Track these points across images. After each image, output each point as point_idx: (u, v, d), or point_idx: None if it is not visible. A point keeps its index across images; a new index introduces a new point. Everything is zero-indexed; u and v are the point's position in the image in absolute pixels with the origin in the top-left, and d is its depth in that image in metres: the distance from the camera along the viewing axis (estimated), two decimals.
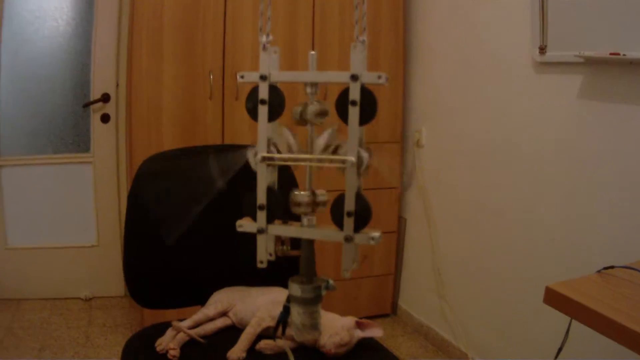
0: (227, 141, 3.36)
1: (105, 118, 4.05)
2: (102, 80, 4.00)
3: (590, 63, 2.49)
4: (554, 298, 1.54)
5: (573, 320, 1.51)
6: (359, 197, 0.95)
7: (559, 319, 1.60)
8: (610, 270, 1.70)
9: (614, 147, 2.42)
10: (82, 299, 4.20)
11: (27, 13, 3.82)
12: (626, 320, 1.32)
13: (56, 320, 3.82)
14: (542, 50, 2.71)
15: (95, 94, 4.00)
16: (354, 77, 0.93)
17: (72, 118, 4.04)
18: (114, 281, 4.27)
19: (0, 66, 3.83)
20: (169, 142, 3.26)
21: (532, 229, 2.88)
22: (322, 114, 1.01)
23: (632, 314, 1.35)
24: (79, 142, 4.08)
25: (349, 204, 0.95)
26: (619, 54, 2.25)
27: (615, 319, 1.34)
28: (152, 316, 3.01)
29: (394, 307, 4.15)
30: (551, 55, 2.68)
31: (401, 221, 4.02)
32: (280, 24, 3.41)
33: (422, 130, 3.74)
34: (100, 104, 4.02)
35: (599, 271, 1.70)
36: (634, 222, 2.34)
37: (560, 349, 1.81)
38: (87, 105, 4.00)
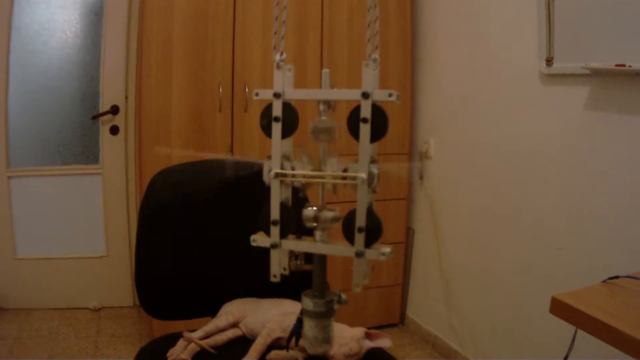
0: (236, 153, 3.37)
1: (114, 130, 4.08)
2: (111, 92, 4.03)
3: (597, 74, 2.50)
4: (559, 308, 1.55)
5: (579, 330, 1.52)
6: (370, 213, 0.97)
7: (565, 329, 1.61)
8: (615, 280, 1.71)
9: (620, 157, 2.44)
10: (90, 309, 4.22)
11: (35, 25, 3.84)
12: (631, 330, 1.33)
13: (65, 331, 3.84)
14: (549, 62, 2.73)
15: (104, 106, 4.02)
16: (366, 95, 0.95)
17: (81, 130, 4.06)
18: (122, 291, 4.29)
19: (9, 78, 3.85)
20: (179, 154, 3.28)
21: (540, 239, 2.89)
22: (331, 131, 1.02)
23: (636, 324, 1.36)
24: (88, 153, 4.11)
25: (360, 220, 0.97)
26: (624, 65, 2.26)
27: (620, 328, 1.35)
28: (162, 327, 3.02)
29: (402, 317, 4.16)
30: (558, 67, 2.70)
31: (409, 232, 4.03)
32: (290, 41, 3.43)
33: (430, 142, 3.76)
34: (109, 115, 4.05)
35: (604, 281, 1.71)
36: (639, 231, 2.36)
37: (565, 358, 1.82)
38: (96, 117, 4.02)
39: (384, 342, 1.90)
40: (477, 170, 3.32)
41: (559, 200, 2.76)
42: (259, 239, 1.05)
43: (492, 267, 3.24)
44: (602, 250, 2.53)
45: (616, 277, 1.73)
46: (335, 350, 1.79)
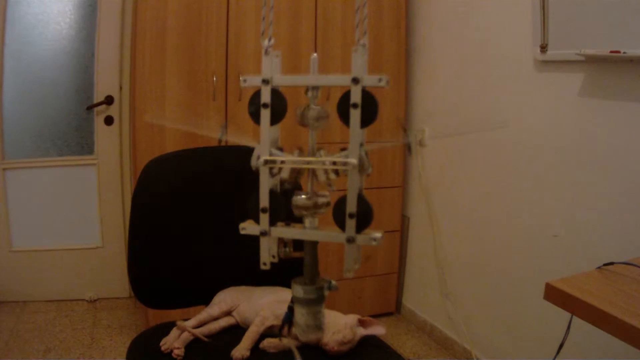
0: (230, 143, 3.36)
1: (108, 120, 4.07)
2: (105, 82, 4.02)
3: (591, 61, 2.50)
4: (554, 294, 1.55)
5: (575, 317, 1.51)
6: (361, 199, 0.96)
7: (561, 316, 1.61)
8: (610, 267, 1.71)
9: (615, 144, 2.43)
10: (87, 301, 4.22)
11: (30, 16, 3.83)
12: (625, 316, 1.33)
13: (61, 322, 3.84)
14: (543, 48, 2.72)
15: (99, 97, 4.01)
16: (355, 80, 0.95)
17: (75, 121, 4.05)
18: (118, 282, 4.29)
19: (4, 69, 3.84)
20: (172, 143, 3.28)
21: (535, 226, 2.89)
22: (321, 118, 1.02)
23: (631, 310, 1.36)
24: (83, 144, 4.10)
25: (351, 206, 0.96)
26: (619, 52, 2.26)
27: (614, 314, 1.35)
28: (157, 317, 3.03)
29: (398, 305, 4.17)
30: (552, 53, 2.69)
31: (404, 220, 4.03)
32: (283, 28, 3.43)
33: (425, 130, 3.75)
34: (103, 106, 4.04)
35: (599, 267, 1.71)
36: (635, 218, 2.35)
37: (561, 345, 1.82)
38: (90, 107, 4.01)
39: (378, 329, 1.90)
40: (472, 158, 3.32)
41: (554, 187, 2.76)
42: (248, 227, 1.04)
43: (487, 255, 3.24)
44: (598, 237, 2.53)
45: (611, 264, 1.72)
46: (329, 337, 1.80)
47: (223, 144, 1.20)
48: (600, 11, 2.41)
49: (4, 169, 3.96)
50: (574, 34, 2.56)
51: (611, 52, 2.29)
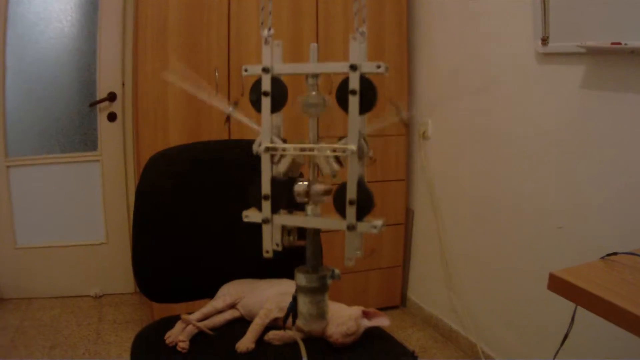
0: (233, 137, 3.37)
1: (112, 117, 4.07)
2: (108, 79, 4.03)
3: (592, 53, 2.49)
4: (557, 285, 1.55)
5: (579, 309, 1.51)
6: (361, 186, 0.96)
7: (566, 307, 1.61)
8: (613, 257, 1.71)
9: (617, 135, 2.43)
10: (92, 297, 4.23)
11: (32, 15, 3.84)
12: (629, 305, 1.33)
13: (66, 319, 3.85)
14: (545, 41, 2.72)
15: (102, 93, 4.02)
16: (353, 67, 0.95)
17: (79, 117, 4.06)
18: (123, 278, 4.30)
19: (6, 68, 3.85)
20: (176, 139, 3.28)
21: (539, 218, 2.89)
22: (318, 104, 1.02)
23: (635, 299, 1.36)
24: (87, 141, 4.11)
25: (351, 193, 0.96)
26: (620, 44, 2.25)
27: (618, 304, 1.35)
28: (162, 311, 3.01)
29: (403, 298, 4.17)
30: (553, 46, 2.69)
31: (409, 213, 4.03)
32: (285, 19, 3.42)
33: (428, 123, 3.75)
34: (106, 102, 4.05)
35: (602, 258, 1.71)
36: (638, 209, 2.35)
37: (566, 336, 1.82)
38: (93, 104, 4.02)
39: (382, 321, 1.90)
40: (475, 150, 3.32)
41: (558, 179, 2.76)
42: (250, 215, 1.04)
43: (491, 247, 3.24)
44: (601, 228, 2.53)
45: (615, 254, 1.72)
46: (333, 329, 1.80)
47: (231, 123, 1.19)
48: (601, 3, 2.40)
49: (8, 167, 3.97)
50: (575, 26, 2.55)
51: (612, 44, 2.28)
